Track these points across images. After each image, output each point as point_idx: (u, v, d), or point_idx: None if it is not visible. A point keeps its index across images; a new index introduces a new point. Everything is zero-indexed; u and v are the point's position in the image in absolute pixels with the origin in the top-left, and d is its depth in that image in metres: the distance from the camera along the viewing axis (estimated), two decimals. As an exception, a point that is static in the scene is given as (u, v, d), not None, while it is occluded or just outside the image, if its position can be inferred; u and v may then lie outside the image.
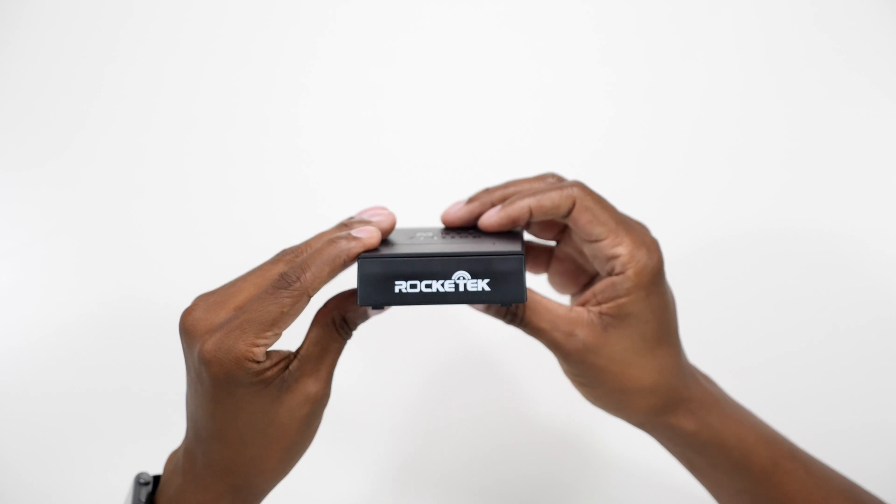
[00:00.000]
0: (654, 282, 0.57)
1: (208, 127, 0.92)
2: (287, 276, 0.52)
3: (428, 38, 0.94)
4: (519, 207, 0.57)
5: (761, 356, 0.89)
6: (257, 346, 0.51)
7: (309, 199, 0.92)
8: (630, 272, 0.56)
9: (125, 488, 0.71)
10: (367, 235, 0.53)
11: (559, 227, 0.63)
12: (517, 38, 0.93)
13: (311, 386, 0.54)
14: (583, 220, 0.57)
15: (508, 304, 0.52)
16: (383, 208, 0.57)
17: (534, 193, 0.57)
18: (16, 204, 0.90)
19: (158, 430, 0.77)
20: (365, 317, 0.56)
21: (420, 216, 0.70)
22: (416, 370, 0.89)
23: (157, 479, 0.59)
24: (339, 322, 0.55)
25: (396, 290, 0.51)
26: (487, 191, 0.61)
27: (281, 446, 0.55)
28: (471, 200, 0.61)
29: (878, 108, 0.91)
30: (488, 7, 0.93)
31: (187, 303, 0.55)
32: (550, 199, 0.57)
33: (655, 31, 0.93)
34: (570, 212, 0.57)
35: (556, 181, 0.61)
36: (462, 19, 0.93)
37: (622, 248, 0.56)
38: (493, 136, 0.93)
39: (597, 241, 0.57)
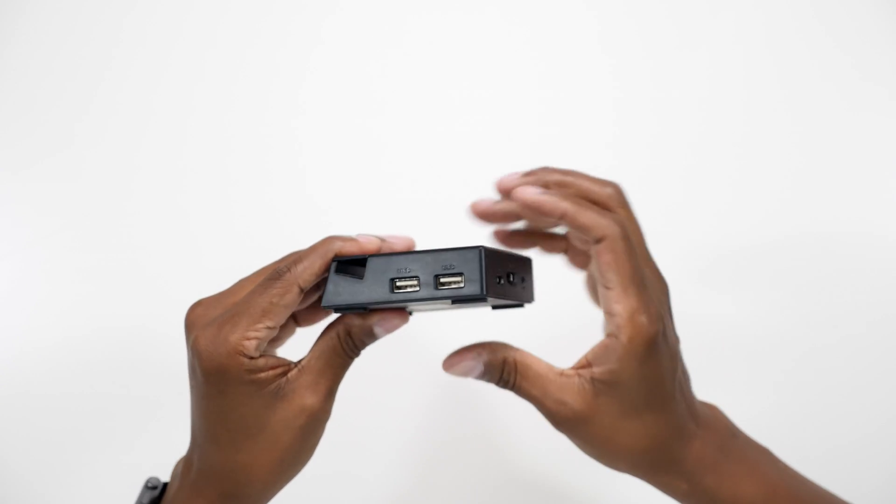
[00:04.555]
0: (648, 351, 0.53)
1: (209, 126, 0.93)
2: (278, 269, 0.53)
3: (422, 36, 0.94)
4: (553, 204, 0.55)
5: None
6: (248, 339, 0.51)
7: (311, 204, 0.93)
8: (624, 337, 0.53)
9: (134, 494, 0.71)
10: (366, 241, 0.54)
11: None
12: (517, 41, 0.94)
13: (308, 398, 0.54)
14: (603, 260, 0.54)
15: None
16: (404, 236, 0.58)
17: (578, 203, 0.55)
18: (16, 204, 0.92)
19: (166, 434, 0.77)
20: (372, 336, 0.56)
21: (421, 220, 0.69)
22: (418, 387, 0.87)
23: (165, 486, 0.60)
24: (343, 336, 0.55)
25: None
26: (546, 169, 0.59)
27: (273, 456, 0.54)
28: (528, 174, 0.59)
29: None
30: (487, 9, 0.93)
31: (188, 303, 0.56)
32: (586, 220, 0.54)
33: (657, 31, 0.93)
34: (597, 243, 0.54)
35: (613, 195, 0.57)
36: (462, 22, 0.94)
37: (622, 307, 0.53)
38: (492, 143, 0.92)
39: (606, 287, 0.54)
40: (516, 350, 0.56)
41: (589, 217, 0.54)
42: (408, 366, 0.85)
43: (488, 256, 0.51)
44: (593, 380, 0.54)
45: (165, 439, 0.67)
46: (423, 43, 0.95)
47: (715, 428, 0.59)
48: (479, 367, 0.56)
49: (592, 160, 0.88)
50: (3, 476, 0.84)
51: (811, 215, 0.90)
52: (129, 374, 0.88)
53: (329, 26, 0.95)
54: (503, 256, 0.54)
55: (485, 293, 0.51)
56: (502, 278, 0.53)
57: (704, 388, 0.62)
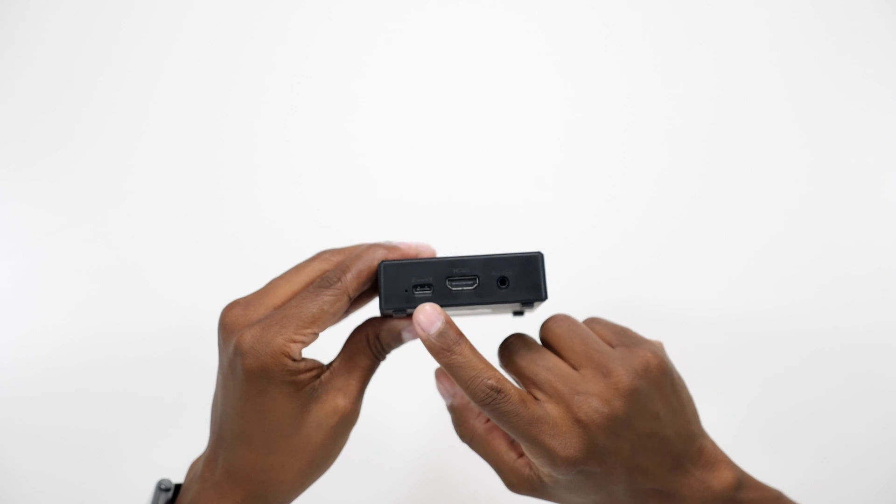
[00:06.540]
0: (580, 472, 0.53)
1: (207, 123, 0.93)
2: (328, 277, 0.54)
3: (417, 32, 0.96)
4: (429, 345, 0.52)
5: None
6: (294, 341, 0.52)
7: (308, 204, 0.93)
8: (538, 472, 0.55)
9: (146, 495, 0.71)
10: (406, 247, 0.55)
11: None
12: (517, 43, 0.95)
13: (340, 399, 0.55)
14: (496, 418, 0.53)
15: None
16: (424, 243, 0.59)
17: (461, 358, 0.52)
18: (16, 202, 0.91)
19: (170, 435, 0.76)
20: (399, 340, 0.57)
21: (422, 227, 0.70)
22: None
23: (178, 487, 0.60)
24: (371, 339, 0.56)
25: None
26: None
27: (303, 458, 0.55)
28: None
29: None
30: (488, 11, 0.95)
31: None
32: (461, 377, 0.52)
33: (661, 35, 0.95)
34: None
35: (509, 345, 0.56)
36: (462, 22, 0.95)
37: (528, 455, 0.54)
38: (490, 143, 0.94)
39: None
40: (476, 422, 0.57)
41: (463, 375, 0.52)
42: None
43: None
44: (539, 477, 0.55)
45: (169, 440, 0.66)
46: (420, 43, 0.96)
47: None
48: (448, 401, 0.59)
49: (590, 160, 0.92)
50: (4, 477, 0.83)
51: (816, 216, 0.92)
52: (131, 375, 0.87)
53: (325, 28, 0.95)
54: None
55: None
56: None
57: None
